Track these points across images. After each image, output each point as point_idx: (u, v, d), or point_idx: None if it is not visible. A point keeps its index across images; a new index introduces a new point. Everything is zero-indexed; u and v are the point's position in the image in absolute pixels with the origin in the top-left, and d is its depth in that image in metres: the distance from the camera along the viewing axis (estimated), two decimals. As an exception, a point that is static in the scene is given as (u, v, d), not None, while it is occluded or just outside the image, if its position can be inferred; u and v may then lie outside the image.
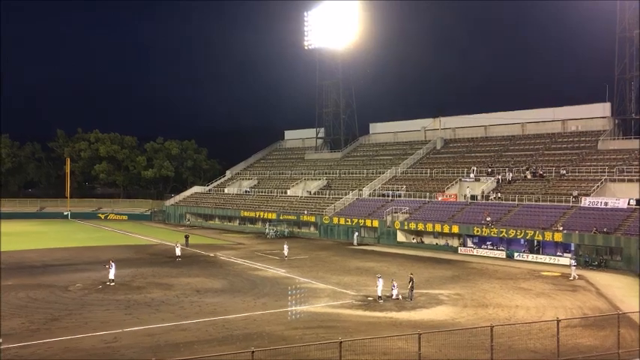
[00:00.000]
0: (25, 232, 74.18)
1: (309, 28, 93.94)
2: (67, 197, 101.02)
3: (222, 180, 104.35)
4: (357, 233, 65.03)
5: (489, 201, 62.11)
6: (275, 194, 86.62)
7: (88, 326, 27.57)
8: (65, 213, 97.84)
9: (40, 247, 59.25)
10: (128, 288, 37.34)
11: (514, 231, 53.32)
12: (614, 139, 66.31)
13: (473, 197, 63.93)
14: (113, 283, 37.60)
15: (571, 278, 41.37)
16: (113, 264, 38.62)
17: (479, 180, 67.69)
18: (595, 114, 70.06)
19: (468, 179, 68.89)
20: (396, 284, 34.30)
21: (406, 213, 64.46)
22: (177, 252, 51.28)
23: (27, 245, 59.66)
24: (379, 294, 33.74)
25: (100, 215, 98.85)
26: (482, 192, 64.16)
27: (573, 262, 43.55)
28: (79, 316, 29.52)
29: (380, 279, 34.09)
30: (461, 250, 56.71)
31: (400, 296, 33.92)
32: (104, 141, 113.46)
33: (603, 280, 41.50)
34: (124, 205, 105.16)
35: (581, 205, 54.39)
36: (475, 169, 70.46)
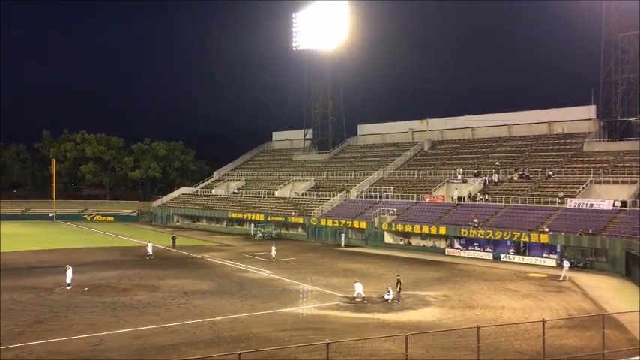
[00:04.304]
0: (10, 234, 73.28)
1: (297, 30, 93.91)
2: (52, 199, 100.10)
3: (210, 181, 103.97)
4: (344, 235, 65.10)
5: (476, 202, 62.43)
6: (263, 196, 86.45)
7: (73, 328, 27.37)
8: (51, 214, 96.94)
9: (25, 248, 58.69)
10: (114, 290, 37.12)
11: (501, 232, 53.61)
12: (599, 141, 66.93)
13: (460, 199, 64.23)
14: (69, 287, 37.03)
15: (560, 279, 41.58)
16: (70, 268, 38.19)
17: (466, 182, 68.01)
18: (580, 116, 70.69)
19: (455, 181, 69.19)
20: (390, 289, 34.28)
21: (394, 214, 64.60)
22: (149, 250, 52.54)
23: (12, 247, 58.95)
24: (355, 295, 34.01)
25: (86, 217, 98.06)
26: (470, 193, 64.48)
27: (567, 263, 43.57)
28: (64, 319, 29.30)
29: (357, 283, 34.41)
30: (448, 251, 56.91)
31: (391, 301, 33.92)
32: (90, 142, 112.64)
33: (589, 281, 41.82)
34: (111, 206, 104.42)
35: (567, 206, 54.83)
36: (462, 170, 70.77)
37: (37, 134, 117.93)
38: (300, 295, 36.14)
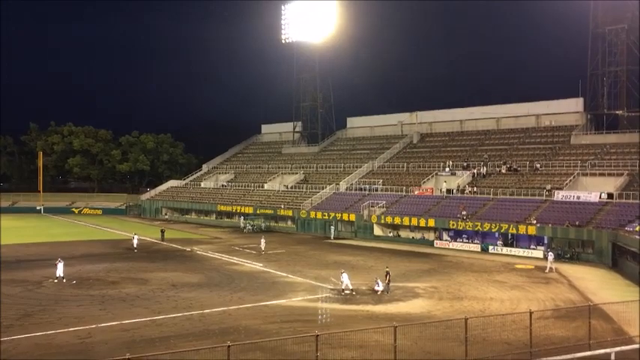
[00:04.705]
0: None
1: (286, 22, 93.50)
2: (39, 191, 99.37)
3: (199, 174, 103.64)
4: (333, 227, 65.18)
5: (465, 195, 62.72)
6: (252, 188, 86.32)
7: (61, 322, 27.25)
8: (38, 207, 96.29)
9: (13, 242, 58.18)
10: (103, 283, 36.98)
11: (489, 224, 53.93)
12: (586, 133, 67.41)
13: (449, 191, 64.51)
14: (61, 280, 37.00)
15: (546, 271, 41.95)
16: (62, 261, 38.09)
17: (454, 174, 68.32)
18: (568, 109, 71.14)
19: (443, 173, 69.46)
20: (380, 281, 34.43)
21: (383, 207, 64.76)
22: (135, 243, 52.87)
23: (-1, 240, 58.59)
24: (342, 287, 34.18)
25: (73, 210, 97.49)
26: (458, 186, 64.78)
27: (551, 254, 43.93)
28: (52, 312, 29.17)
29: (344, 274, 34.48)
30: (437, 243, 57.20)
31: (380, 292, 34.05)
32: (78, 134, 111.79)
33: (575, 272, 42.24)
34: (99, 199, 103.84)
35: (554, 198, 55.24)
36: (451, 163, 71.06)
37: (24, 127, 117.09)
38: (290, 288, 36.17)
